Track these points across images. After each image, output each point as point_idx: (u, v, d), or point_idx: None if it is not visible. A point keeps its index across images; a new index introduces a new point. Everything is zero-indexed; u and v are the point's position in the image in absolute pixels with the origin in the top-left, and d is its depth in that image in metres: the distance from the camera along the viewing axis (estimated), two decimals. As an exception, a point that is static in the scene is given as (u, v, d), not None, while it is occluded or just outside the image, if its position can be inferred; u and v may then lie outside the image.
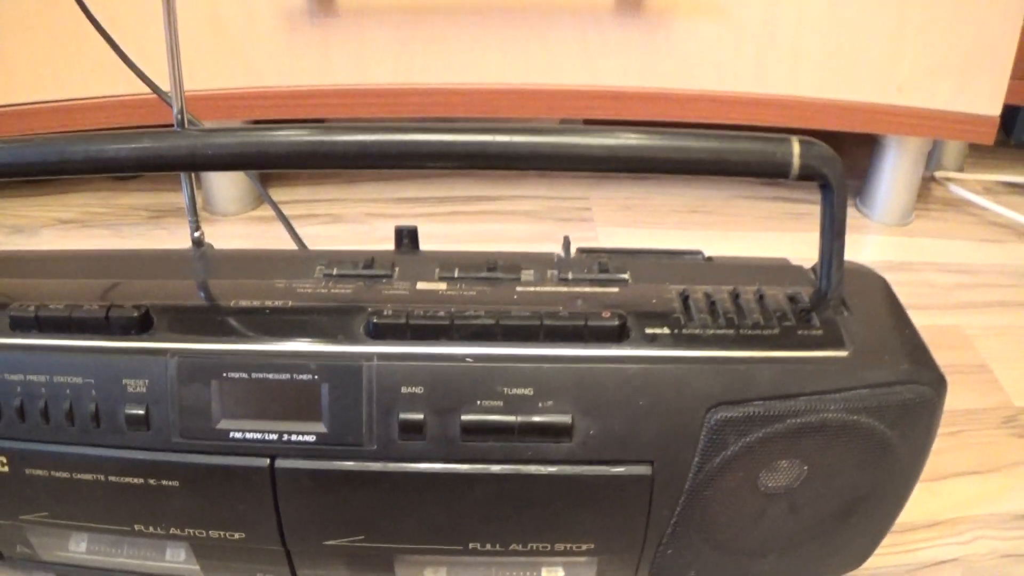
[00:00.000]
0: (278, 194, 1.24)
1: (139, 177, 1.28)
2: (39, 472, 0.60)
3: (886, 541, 0.68)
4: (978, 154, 1.42)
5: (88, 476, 0.59)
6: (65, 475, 0.59)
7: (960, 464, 0.86)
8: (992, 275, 1.16)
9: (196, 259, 0.70)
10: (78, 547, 0.66)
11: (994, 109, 1.14)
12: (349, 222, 1.20)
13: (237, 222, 1.16)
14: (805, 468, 0.59)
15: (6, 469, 0.60)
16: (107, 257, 0.70)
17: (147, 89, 0.81)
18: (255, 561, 0.64)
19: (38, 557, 0.67)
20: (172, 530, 0.62)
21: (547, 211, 1.25)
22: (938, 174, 1.35)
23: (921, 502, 0.80)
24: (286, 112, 1.08)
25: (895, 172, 1.23)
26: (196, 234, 0.72)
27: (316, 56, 1.08)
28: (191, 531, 0.61)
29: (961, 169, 1.39)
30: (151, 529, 0.62)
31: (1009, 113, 1.42)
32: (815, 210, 0.61)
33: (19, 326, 0.58)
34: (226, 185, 1.18)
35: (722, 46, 1.11)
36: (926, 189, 1.33)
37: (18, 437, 0.59)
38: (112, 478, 0.59)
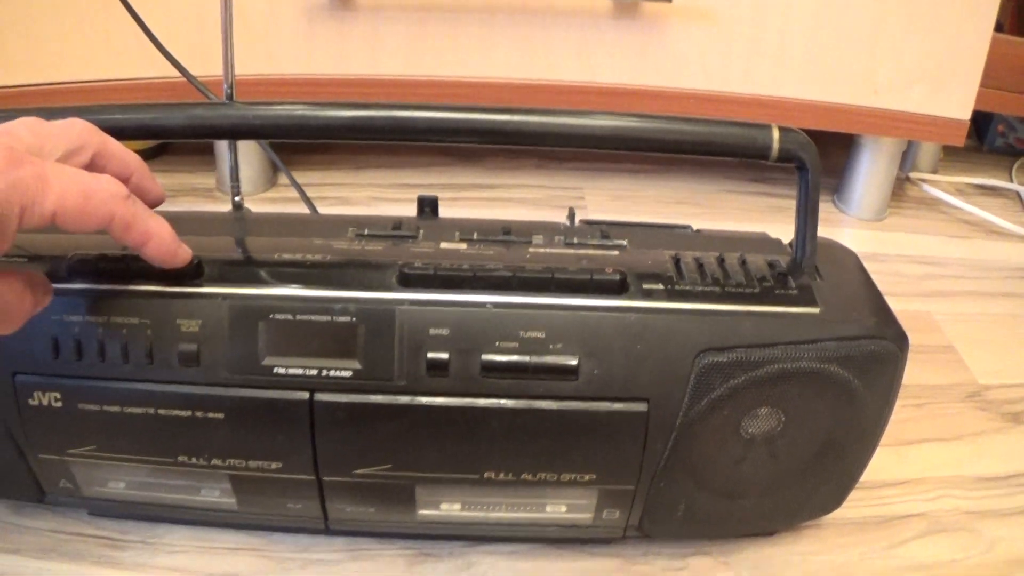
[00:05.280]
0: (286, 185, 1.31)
1: (158, 158, 1.34)
2: (91, 407, 0.64)
3: (857, 495, 0.74)
4: (951, 157, 1.48)
5: (138, 410, 0.64)
6: (116, 409, 0.64)
7: (926, 432, 0.92)
8: (960, 268, 1.22)
9: (237, 220, 0.75)
10: (118, 483, 0.70)
11: (964, 113, 1.20)
12: (356, 205, 1.25)
13: (250, 202, 1.21)
14: (782, 415, 0.66)
15: (59, 404, 0.64)
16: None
17: (173, 72, 0.86)
18: (288, 494, 0.69)
19: (80, 492, 0.71)
20: (214, 461, 0.66)
21: (543, 199, 1.31)
22: (912, 175, 1.41)
23: (889, 463, 0.87)
24: (302, 99, 1.13)
25: (871, 170, 1.29)
26: (236, 198, 0.78)
27: (333, 47, 1.13)
28: (232, 462, 0.66)
29: (935, 171, 1.45)
30: (194, 460, 0.66)
31: (983, 120, 1.49)
32: (794, 204, 0.67)
33: (79, 272, 0.63)
34: (241, 167, 1.23)
35: (711, 49, 1.17)
36: (900, 189, 1.39)
37: (74, 374, 0.63)
38: (161, 411, 0.64)
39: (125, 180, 0.59)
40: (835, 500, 0.74)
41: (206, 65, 0.90)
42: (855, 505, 0.77)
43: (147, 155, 1.29)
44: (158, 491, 0.71)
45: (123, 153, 0.60)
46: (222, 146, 1.24)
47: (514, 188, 1.33)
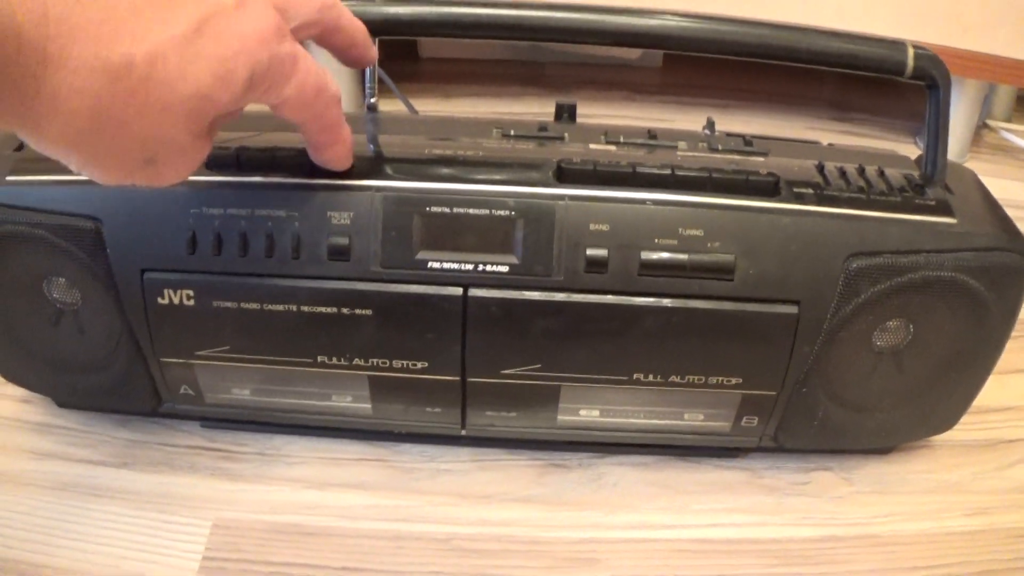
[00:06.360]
0: (383, 105, 1.29)
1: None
2: (228, 304, 0.63)
3: (965, 420, 0.75)
4: (1023, 107, 1.48)
5: (280, 307, 0.63)
6: (255, 306, 0.63)
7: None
8: (1044, 212, 1.22)
9: (374, 120, 0.74)
10: (243, 390, 0.70)
11: (1050, 57, 1.20)
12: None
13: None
14: (911, 328, 0.66)
15: (192, 303, 0.63)
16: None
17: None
18: (429, 397, 0.69)
19: (201, 399, 0.71)
20: (356, 361, 0.66)
21: (633, 131, 1.31)
22: (989, 122, 1.42)
23: (994, 391, 0.87)
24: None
25: (954, 113, 1.28)
26: (372, 100, 0.78)
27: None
28: (375, 361, 0.66)
29: (1009, 120, 1.45)
30: (335, 360, 0.66)
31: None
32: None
33: (217, 164, 0.62)
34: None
35: (805, -17, 1.17)
36: (978, 136, 1.39)
37: (211, 270, 0.63)
38: (305, 308, 0.63)
39: (347, 48, 0.60)
40: (952, 418, 0.75)
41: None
42: (963, 428, 0.78)
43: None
44: (286, 397, 0.70)
45: (352, 25, 0.59)
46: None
47: (604, 119, 1.31)
